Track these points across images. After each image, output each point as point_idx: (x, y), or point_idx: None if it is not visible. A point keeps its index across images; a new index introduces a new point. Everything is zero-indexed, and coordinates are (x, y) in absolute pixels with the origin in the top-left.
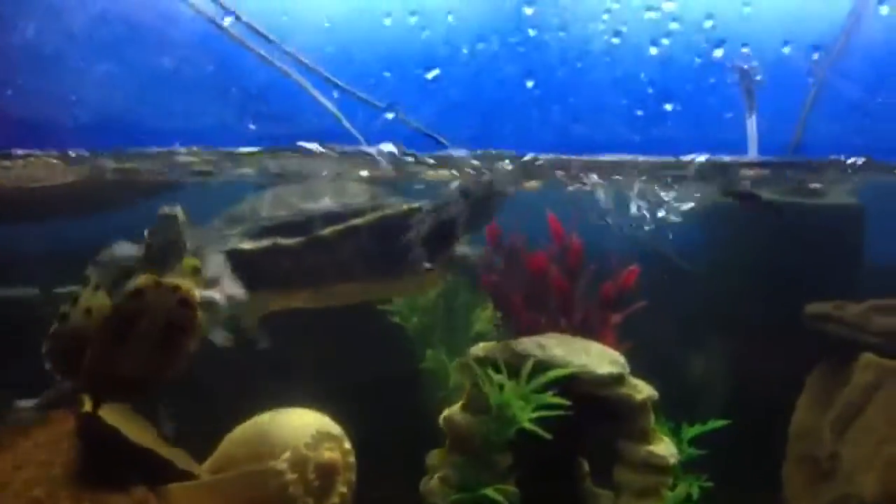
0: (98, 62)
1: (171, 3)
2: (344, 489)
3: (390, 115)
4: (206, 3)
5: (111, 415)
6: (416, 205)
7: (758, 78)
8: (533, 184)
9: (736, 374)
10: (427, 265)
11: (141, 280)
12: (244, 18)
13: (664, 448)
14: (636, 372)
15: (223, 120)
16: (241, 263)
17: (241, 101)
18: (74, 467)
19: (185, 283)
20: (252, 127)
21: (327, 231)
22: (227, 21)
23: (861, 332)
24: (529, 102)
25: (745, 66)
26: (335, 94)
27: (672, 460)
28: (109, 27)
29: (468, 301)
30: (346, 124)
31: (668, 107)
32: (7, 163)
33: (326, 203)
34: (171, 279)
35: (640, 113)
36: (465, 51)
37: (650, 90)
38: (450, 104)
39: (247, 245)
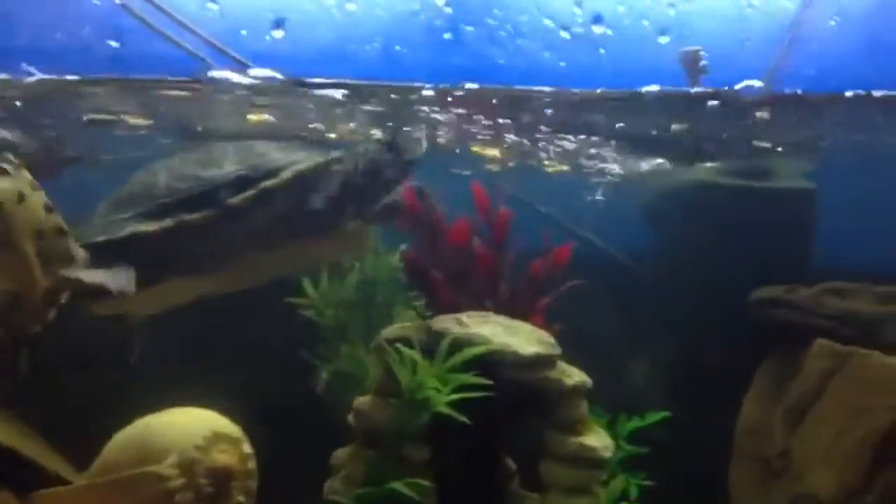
0: None
1: None
2: (241, 497)
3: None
4: None
5: None
6: (331, 156)
7: (702, 63)
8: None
9: (678, 366)
10: (356, 223)
11: None
12: None
13: (597, 440)
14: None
15: (79, 44)
16: (141, 249)
17: (99, 21)
18: None
19: None
20: (114, 44)
21: (237, 199)
22: None
23: (813, 316)
24: (443, 23)
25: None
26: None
27: (606, 454)
28: None
29: (391, 294)
30: (195, 51)
31: (598, 30)
32: None
33: (231, 169)
34: None
35: (565, 37)
36: None
37: (577, 10)
38: (349, 25)
39: (147, 227)
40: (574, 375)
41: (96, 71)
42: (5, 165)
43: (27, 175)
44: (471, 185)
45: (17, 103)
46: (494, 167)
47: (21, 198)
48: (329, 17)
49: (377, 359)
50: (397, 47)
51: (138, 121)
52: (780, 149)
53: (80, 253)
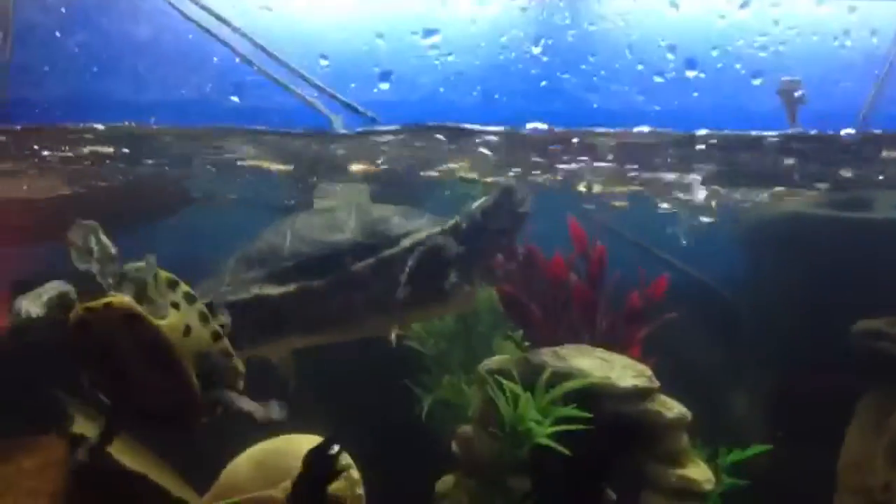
0: (71, 33)
1: None
2: None
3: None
4: None
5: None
6: (441, 226)
7: (799, 93)
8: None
9: (778, 398)
10: (466, 287)
11: (73, 313)
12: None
13: (698, 472)
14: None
15: (202, 96)
16: (265, 308)
17: (221, 75)
18: (64, 495)
19: (116, 298)
20: (234, 99)
21: (358, 267)
22: None
23: None
24: (537, 71)
25: (788, 80)
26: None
27: (708, 486)
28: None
29: (491, 324)
30: (318, 105)
31: (691, 74)
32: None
33: (352, 235)
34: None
35: (659, 81)
36: (466, 13)
37: (670, 56)
38: (449, 74)
39: (271, 290)
40: (674, 408)
41: (220, 121)
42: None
43: (199, 306)
44: (568, 219)
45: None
46: (619, 203)
47: (188, 331)
48: (431, 68)
49: (478, 389)
50: (496, 95)
51: (278, 167)
52: (880, 177)
53: (241, 369)
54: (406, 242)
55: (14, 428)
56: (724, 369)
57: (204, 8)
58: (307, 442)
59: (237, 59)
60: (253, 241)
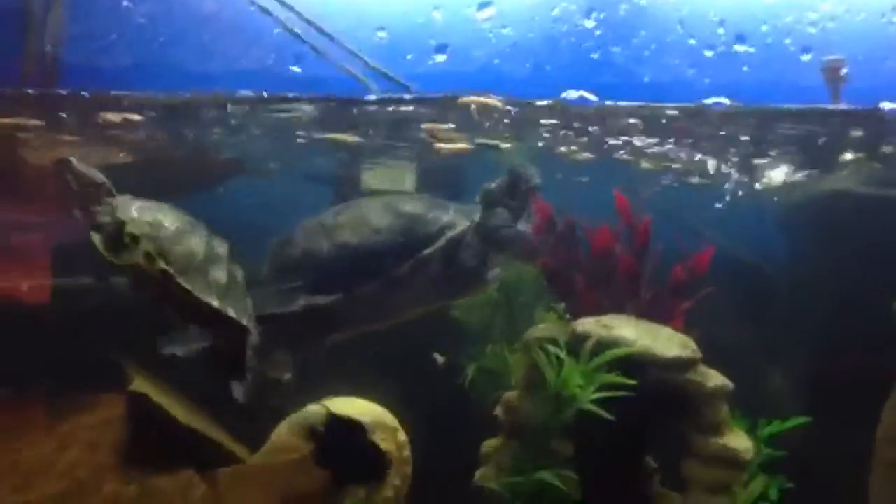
0: (140, 3)
1: None
2: (397, 481)
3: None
4: None
5: (161, 396)
6: (468, 218)
7: (843, 72)
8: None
9: (817, 373)
10: (496, 272)
11: None
12: None
13: (738, 441)
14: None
15: (264, 66)
16: (314, 316)
17: (282, 45)
18: (122, 449)
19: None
20: (295, 69)
21: (399, 270)
22: None
23: None
24: (590, 44)
25: (831, 59)
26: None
27: (747, 455)
28: None
29: (532, 295)
30: (360, 76)
31: (741, 48)
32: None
33: (388, 237)
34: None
35: (709, 55)
36: None
37: (721, 31)
38: (503, 47)
39: (320, 300)
40: (715, 378)
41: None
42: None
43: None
44: (614, 192)
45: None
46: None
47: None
48: (485, 40)
49: (523, 357)
50: (548, 67)
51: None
52: None
53: None
54: (441, 241)
55: (74, 386)
56: (765, 344)
57: None
58: (354, 406)
59: (277, 31)
60: (286, 244)
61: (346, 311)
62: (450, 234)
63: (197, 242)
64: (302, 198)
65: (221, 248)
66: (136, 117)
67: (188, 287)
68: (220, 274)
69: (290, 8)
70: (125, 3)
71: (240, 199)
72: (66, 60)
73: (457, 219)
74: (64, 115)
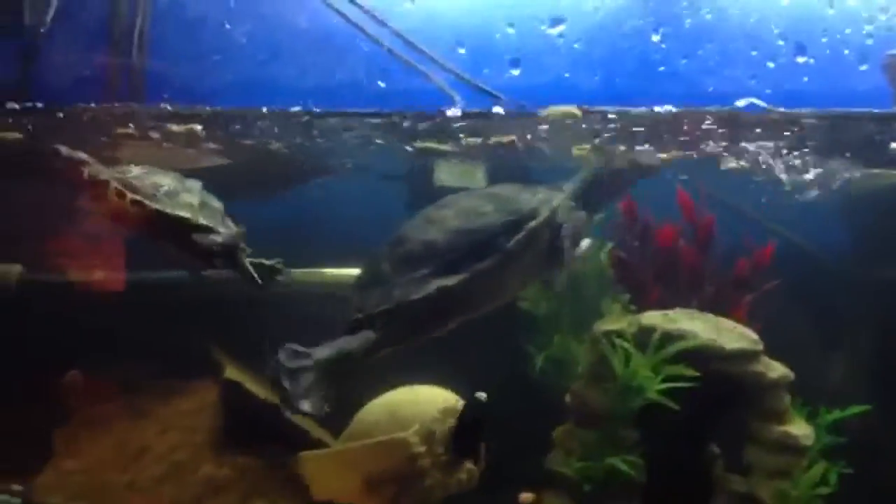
0: (238, 23)
1: None
2: (471, 465)
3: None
4: None
5: (252, 383)
6: (570, 188)
7: None
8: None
9: (878, 363)
10: (588, 242)
11: None
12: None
13: (799, 429)
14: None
15: (353, 81)
16: (445, 300)
17: (370, 61)
18: (216, 433)
19: None
20: (381, 84)
21: (512, 243)
22: None
23: None
24: (656, 56)
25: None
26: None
27: (807, 442)
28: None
29: (597, 287)
30: (448, 89)
31: (801, 60)
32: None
33: (498, 216)
34: None
35: (771, 66)
36: (590, 4)
37: (781, 43)
38: (574, 60)
39: (448, 281)
40: (777, 369)
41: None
42: None
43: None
44: (677, 190)
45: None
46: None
47: None
48: (557, 54)
49: (591, 348)
50: (617, 79)
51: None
52: None
53: None
54: (545, 211)
55: (171, 373)
56: (827, 335)
57: (353, 2)
58: (431, 393)
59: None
60: (400, 242)
61: (472, 291)
62: (551, 205)
63: (166, 181)
64: (378, 194)
65: (193, 183)
66: (219, 131)
67: (155, 206)
68: (190, 198)
69: (383, 24)
70: (227, 26)
71: (321, 197)
72: (170, 77)
73: (551, 194)
74: (153, 125)
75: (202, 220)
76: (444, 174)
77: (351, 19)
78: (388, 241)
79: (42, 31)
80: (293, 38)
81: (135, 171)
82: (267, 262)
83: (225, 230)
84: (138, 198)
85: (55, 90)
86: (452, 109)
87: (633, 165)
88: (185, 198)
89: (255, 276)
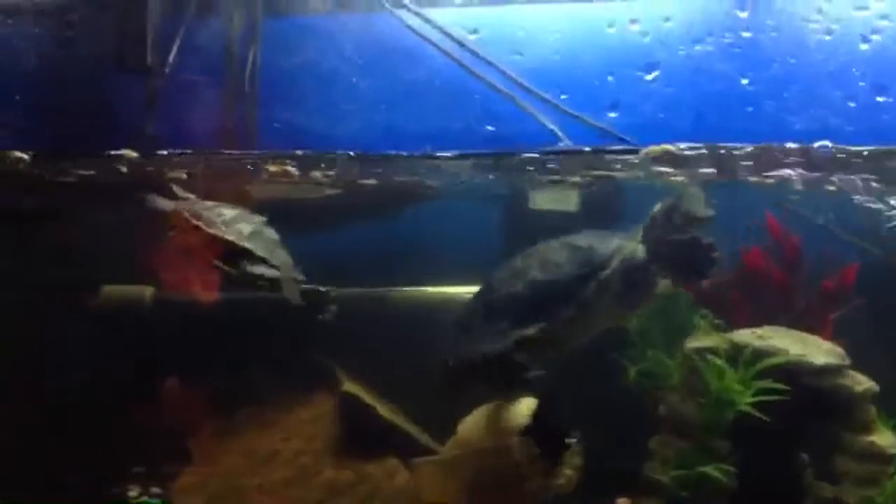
0: (363, 79)
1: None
2: (569, 471)
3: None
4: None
5: (366, 394)
6: (639, 233)
7: None
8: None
9: None
10: (665, 282)
11: None
12: (480, 41)
13: (886, 439)
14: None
15: (465, 126)
16: (524, 350)
17: (480, 108)
18: (335, 440)
19: None
20: (490, 128)
21: (586, 292)
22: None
23: None
24: (745, 97)
25: None
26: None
27: (892, 451)
28: (371, 50)
29: (686, 305)
30: (559, 132)
31: (881, 99)
32: (275, 168)
33: (572, 268)
34: None
35: (852, 105)
36: (682, 52)
37: (862, 83)
38: (667, 102)
39: (528, 332)
40: (863, 383)
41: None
42: None
43: None
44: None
45: None
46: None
47: None
48: (651, 97)
49: (684, 363)
50: (708, 119)
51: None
52: None
53: None
54: (615, 264)
55: (292, 385)
56: None
57: (470, 51)
58: (528, 403)
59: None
60: (487, 292)
61: (550, 338)
62: (620, 256)
63: (228, 212)
64: (476, 214)
65: (255, 217)
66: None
67: (211, 231)
68: (244, 227)
69: (503, 72)
70: (353, 80)
71: (429, 217)
72: (302, 126)
73: (624, 244)
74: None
75: (247, 245)
76: (540, 198)
77: (465, 64)
78: (480, 288)
79: (166, 71)
80: (409, 90)
81: (207, 203)
82: (322, 289)
83: (273, 260)
84: (200, 223)
85: (172, 133)
86: (562, 144)
87: (687, 217)
88: (240, 227)
89: (299, 302)
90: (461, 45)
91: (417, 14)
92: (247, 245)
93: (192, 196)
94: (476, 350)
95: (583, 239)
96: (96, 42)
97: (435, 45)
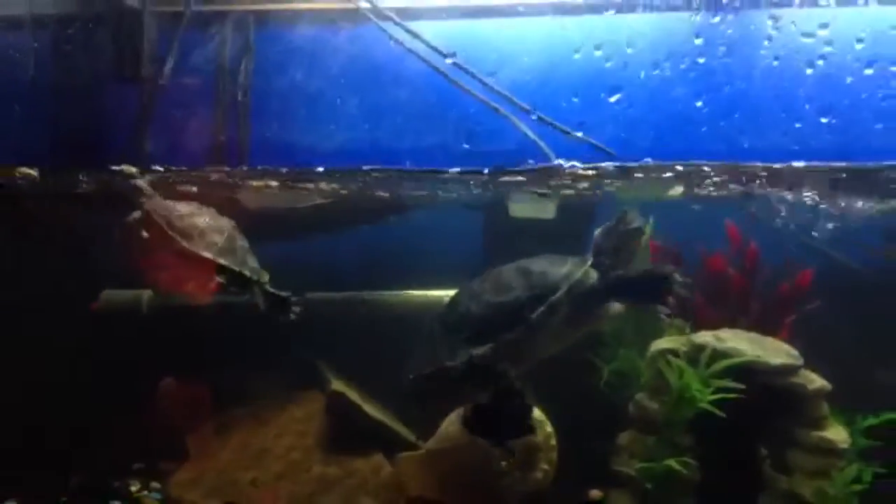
0: (348, 98)
1: (401, 50)
2: (546, 466)
3: (577, 134)
4: (427, 50)
5: (352, 393)
6: (583, 266)
7: None
8: (678, 190)
9: None
10: (616, 306)
11: None
12: (459, 60)
13: (836, 434)
14: (812, 366)
15: (443, 142)
16: (476, 369)
17: (457, 125)
18: (324, 437)
19: None
20: (466, 146)
21: (534, 315)
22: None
23: None
24: (699, 119)
25: None
26: (533, 117)
27: (843, 445)
28: (356, 70)
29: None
30: (542, 144)
31: (824, 120)
32: (273, 182)
33: (523, 292)
34: None
35: (798, 126)
36: (642, 76)
37: (807, 106)
38: (629, 122)
39: (477, 350)
40: (815, 381)
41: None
42: None
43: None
44: (726, 224)
45: None
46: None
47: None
48: (615, 118)
49: (650, 364)
50: (666, 138)
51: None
52: None
53: None
54: (564, 289)
55: (282, 385)
56: (866, 345)
57: (459, 66)
58: None
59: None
60: (450, 308)
61: (500, 356)
62: (569, 282)
63: (201, 221)
64: (458, 222)
65: (225, 223)
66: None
67: (187, 245)
68: (217, 238)
69: (491, 88)
70: (338, 100)
71: (412, 225)
72: (289, 142)
73: (574, 269)
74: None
75: (221, 261)
76: (519, 207)
77: (451, 77)
78: (445, 304)
79: (161, 83)
80: (393, 108)
81: (181, 209)
82: (283, 294)
83: (244, 269)
84: (176, 236)
85: (165, 149)
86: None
87: (622, 238)
88: (213, 238)
89: (263, 305)
90: (445, 56)
91: (404, 28)
92: (222, 262)
93: (146, 187)
94: (435, 364)
95: (536, 263)
96: (94, 56)
97: (422, 58)
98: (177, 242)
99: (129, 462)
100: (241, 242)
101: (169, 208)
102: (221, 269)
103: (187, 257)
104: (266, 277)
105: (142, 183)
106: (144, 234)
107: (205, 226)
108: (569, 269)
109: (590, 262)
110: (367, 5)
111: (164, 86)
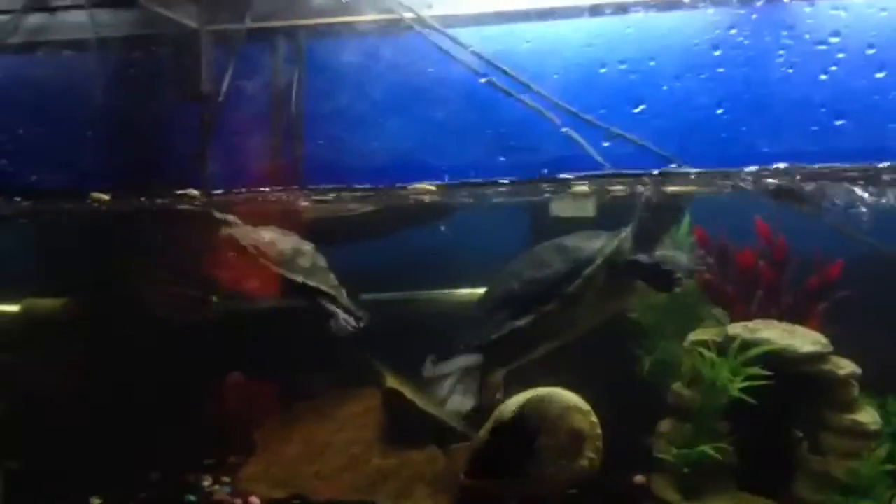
0: (390, 118)
1: (442, 68)
2: (592, 453)
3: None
4: (471, 59)
5: (406, 389)
6: (621, 234)
7: None
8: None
9: None
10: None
11: None
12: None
13: (867, 416)
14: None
15: (482, 156)
16: (521, 336)
17: (495, 139)
18: (381, 431)
19: None
20: (502, 159)
21: (572, 287)
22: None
23: None
24: (720, 124)
25: None
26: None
27: (874, 427)
28: (398, 92)
29: (695, 300)
30: (591, 150)
31: (839, 122)
32: (322, 196)
33: (560, 266)
34: None
35: (814, 129)
36: (665, 88)
37: (822, 110)
38: (654, 131)
39: (521, 322)
40: (846, 366)
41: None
42: None
43: None
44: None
45: None
46: None
47: None
48: (639, 124)
49: (687, 355)
50: (689, 145)
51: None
52: None
53: None
54: (598, 261)
55: (341, 382)
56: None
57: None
58: (555, 393)
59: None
60: (491, 290)
61: (541, 329)
62: (603, 255)
63: (287, 247)
64: (506, 221)
65: (307, 247)
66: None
67: (280, 270)
68: (303, 261)
69: (546, 97)
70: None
71: (463, 225)
72: (336, 160)
73: (608, 243)
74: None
75: (310, 283)
76: (560, 206)
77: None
78: (487, 286)
79: (220, 100)
80: (435, 127)
81: (266, 236)
82: (358, 313)
83: (326, 287)
84: (268, 263)
85: (223, 170)
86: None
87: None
88: (300, 262)
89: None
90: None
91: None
92: (310, 283)
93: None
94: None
95: (571, 239)
96: (156, 77)
97: (468, 66)
98: (268, 267)
99: (201, 458)
100: (321, 262)
101: (256, 239)
102: (303, 287)
103: (271, 275)
104: (343, 293)
105: (231, 218)
106: (232, 255)
107: (290, 249)
108: (602, 243)
109: (623, 235)
110: (412, 15)
111: (223, 103)
